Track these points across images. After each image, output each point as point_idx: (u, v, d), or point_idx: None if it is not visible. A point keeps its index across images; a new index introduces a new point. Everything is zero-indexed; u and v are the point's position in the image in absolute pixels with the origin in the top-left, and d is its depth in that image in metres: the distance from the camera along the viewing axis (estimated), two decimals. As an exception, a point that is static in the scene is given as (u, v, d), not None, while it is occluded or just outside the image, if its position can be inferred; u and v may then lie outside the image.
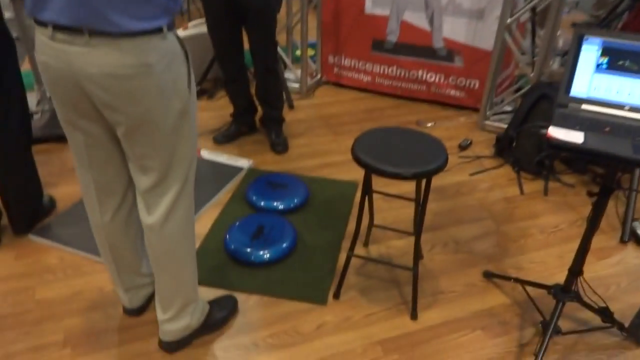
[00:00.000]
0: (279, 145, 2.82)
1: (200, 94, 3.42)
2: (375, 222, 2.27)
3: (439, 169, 1.60)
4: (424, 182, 1.73)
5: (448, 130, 3.08)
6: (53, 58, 1.16)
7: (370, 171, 1.59)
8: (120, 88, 1.15)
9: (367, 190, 1.74)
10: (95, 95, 1.18)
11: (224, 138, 2.90)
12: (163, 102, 1.22)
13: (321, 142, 2.92)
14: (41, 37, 1.17)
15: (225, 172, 2.60)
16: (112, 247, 1.55)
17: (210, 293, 1.87)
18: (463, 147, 2.88)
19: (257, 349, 1.68)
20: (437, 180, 2.59)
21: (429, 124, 3.13)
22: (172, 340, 1.62)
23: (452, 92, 3.29)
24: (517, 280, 1.88)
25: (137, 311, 1.76)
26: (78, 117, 1.27)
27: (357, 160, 1.62)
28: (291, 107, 3.31)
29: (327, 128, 3.07)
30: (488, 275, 1.98)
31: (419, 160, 1.61)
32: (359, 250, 2.12)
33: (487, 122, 3.08)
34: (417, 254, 1.75)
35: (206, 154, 2.75)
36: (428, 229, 2.26)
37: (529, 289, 1.91)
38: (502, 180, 2.62)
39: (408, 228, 2.24)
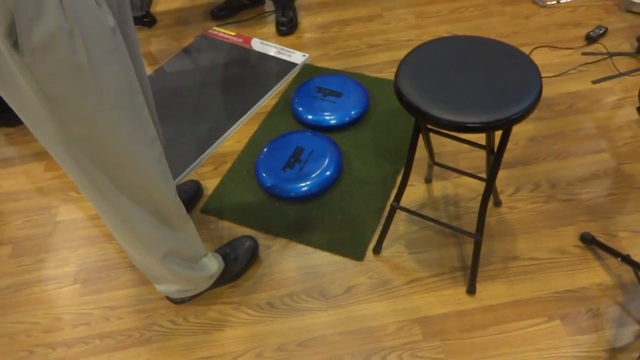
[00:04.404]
0: (283, 25, 2.35)
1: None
2: (439, 157, 1.78)
3: (525, 113, 1.07)
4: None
5: (577, 11, 2.27)
6: None
7: (418, 116, 1.10)
8: None
9: (420, 128, 1.26)
10: None
11: (220, 11, 2.50)
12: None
13: (397, 29, 2.31)
14: None
15: (276, 70, 2.17)
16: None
17: (232, 230, 1.62)
18: (592, 39, 2.11)
19: (271, 311, 1.43)
20: (543, 88, 1.94)
21: (550, 2, 2.33)
22: (175, 297, 1.43)
23: (592, -47, 2.37)
24: (627, 261, 1.35)
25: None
26: None
27: (400, 97, 1.13)
28: (369, -23, 2.64)
29: (409, 7, 2.42)
30: (588, 240, 1.47)
31: (495, 98, 1.07)
32: (419, 186, 1.69)
33: (637, 0, 2.20)
34: (484, 214, 1.29)
35: (257, 43, 2.31)
36: (516, 161, 1.72)
37: (644, 267, 1.39)
38: (641, 92, 1.90)
39: (482, 169, 1.72)
